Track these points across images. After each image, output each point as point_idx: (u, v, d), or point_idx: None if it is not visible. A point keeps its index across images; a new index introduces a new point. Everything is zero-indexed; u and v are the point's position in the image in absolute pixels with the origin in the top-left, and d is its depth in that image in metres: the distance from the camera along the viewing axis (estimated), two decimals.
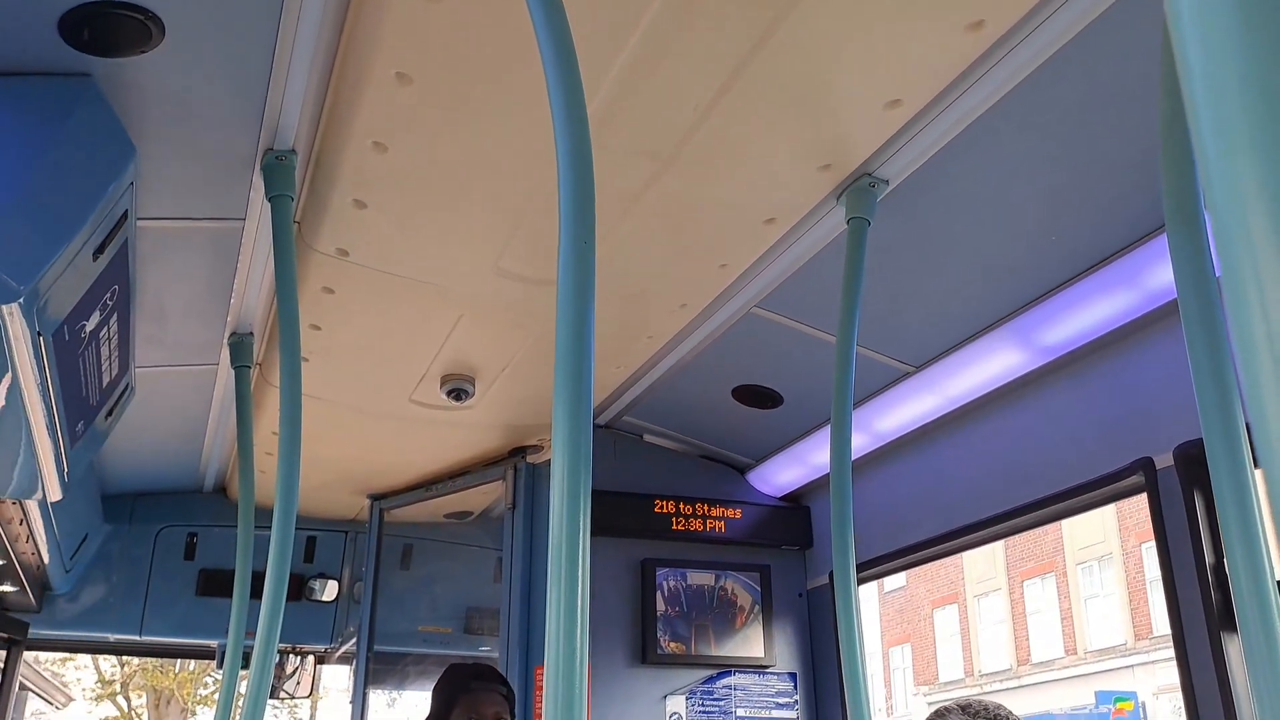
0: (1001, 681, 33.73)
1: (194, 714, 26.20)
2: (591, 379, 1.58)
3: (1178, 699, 26.29)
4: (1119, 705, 27.97)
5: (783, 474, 5.15)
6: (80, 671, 25.89)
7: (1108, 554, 31.12)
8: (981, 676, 34.98)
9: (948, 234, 3.33)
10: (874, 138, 2.79)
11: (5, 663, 5.61)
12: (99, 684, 26.27)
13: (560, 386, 1.56)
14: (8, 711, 5.71)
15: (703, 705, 4.89)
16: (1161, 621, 28.01)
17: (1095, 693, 29.06)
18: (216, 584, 5.86)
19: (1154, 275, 3.16)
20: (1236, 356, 0.56)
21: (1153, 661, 28.48)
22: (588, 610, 1.43)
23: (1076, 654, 31.89)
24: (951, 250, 3.41)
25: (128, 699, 26.72)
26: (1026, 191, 3.08)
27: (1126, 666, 29.70)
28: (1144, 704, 28.17)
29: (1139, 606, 29.80)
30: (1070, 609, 32.51)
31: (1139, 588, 29.81)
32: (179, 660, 23.75)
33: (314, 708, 24.93)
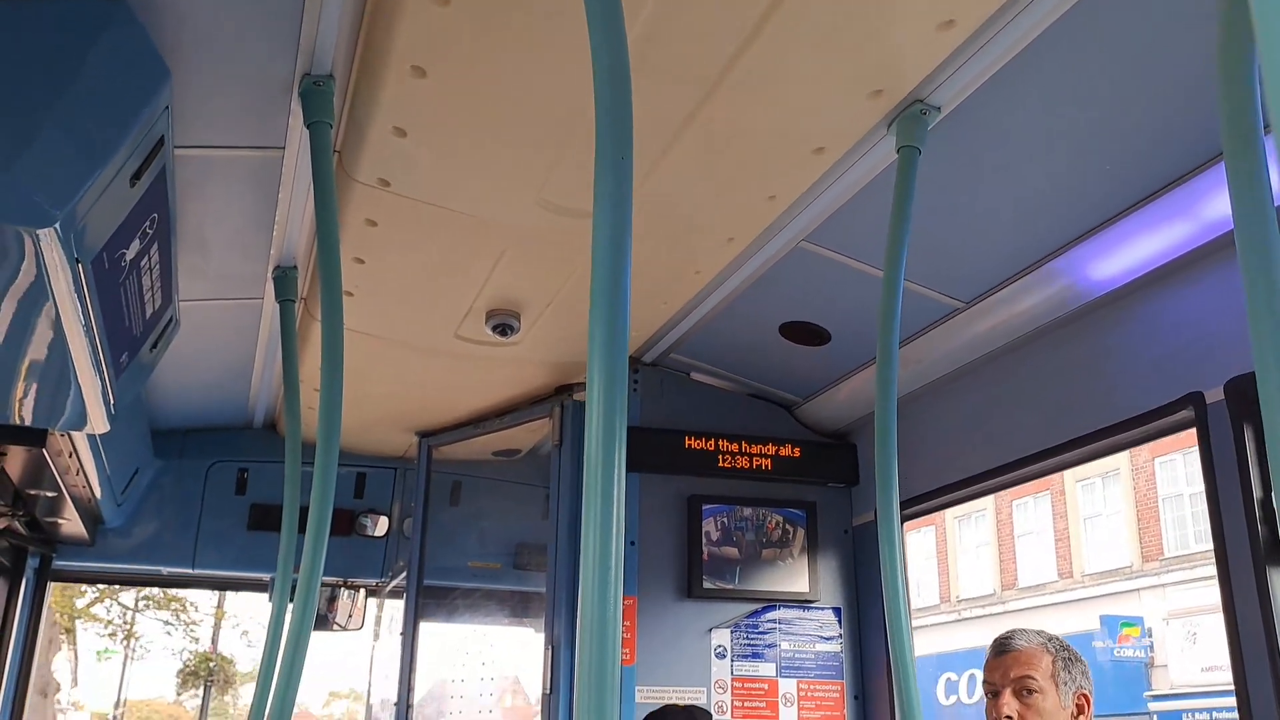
0: (984, 607, 31.57)
1: (70, 629, 25.78)
2: (628, 303, 1.54)
3: (1192, 624, 24.58)
4: (1125, 631, 26.32)
5: (830, 411, 5.10)
6: None
7: (1114, 470, 28.50)
8: (960, 602, 32.67)
9: (999, 164, 3.26)
10: (926, 61, 2.71)
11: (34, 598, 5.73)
12: None
13: (595, 315, 1.53)
14: (36, 650, 5.82)
15: (748, 638, 4.91)
16: (1175, 542, 26.48)
17: (1100, 617, 26.82)
18: (267, 519, 5.92)
19: (1210, 205, 3.07)
20: None
21: (1163, 585, 26.58)
22: (623, 546, 1.41)
23: (1073, 577, 29.67)
24: (1003, 181, 3.34)
25: None
26: (1081, 119, 2.99)
27: (1132, 590, 27.52)
28: (1150, 629, 26.36)
29: (1149, 526, 27.58)
30: (1067, 530, 30.17)
31: (1149, 505, 27.58)
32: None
33: (376, 638, 25.06)
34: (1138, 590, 27.37)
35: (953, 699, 28.68)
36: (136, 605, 28.52)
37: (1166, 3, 2.52)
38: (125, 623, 28.79)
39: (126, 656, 28.71)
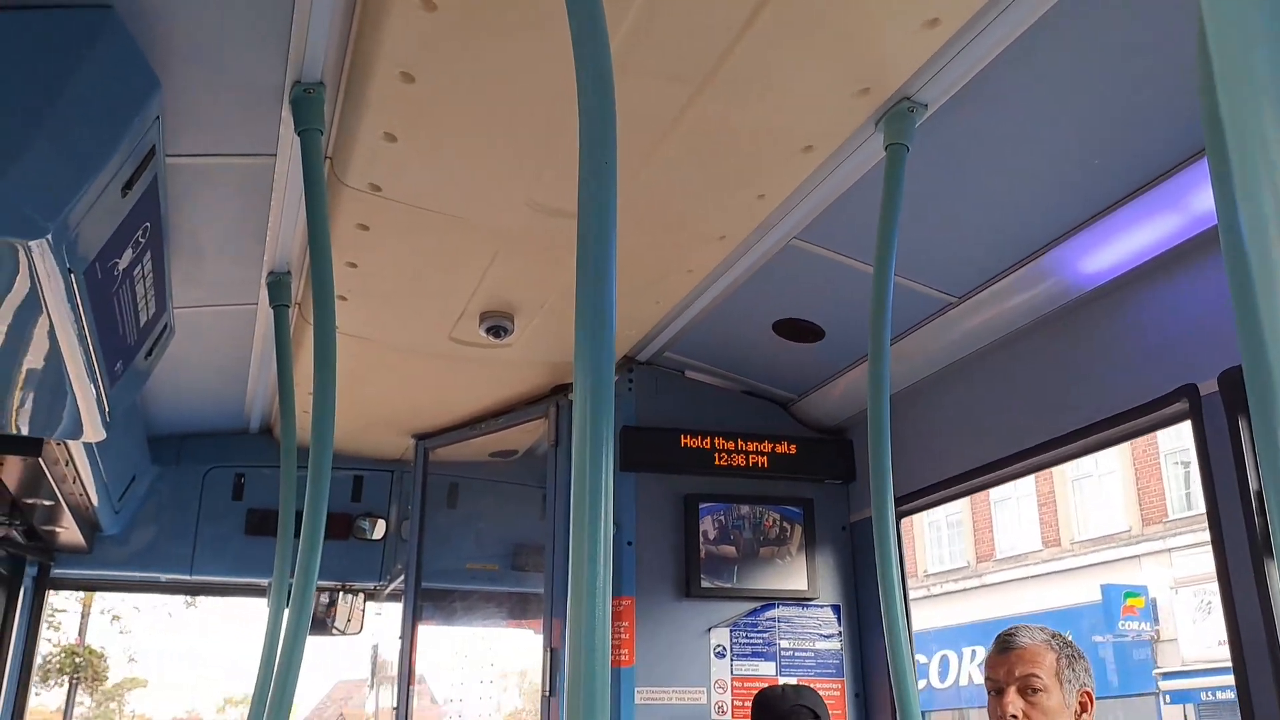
0: (956, 581, 29.39)
1: None
2: (613, 306, 1.54)
3: (1204, 592, 22.39)
4: (1129, 601, 24.21)
5: (826, 407, 5.11)
6: None
7: None
8: (929, 577, 30.20)
9: (988, 160, 3.26)
10: (913, 59, 2.72)
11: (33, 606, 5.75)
12: None
13: (581, 317, 1.53)
14: (35, 655, 5.84)
15: (747, 637, 4.91)
16: (1179, 503, 24.39)
17: (1101, 587, 24.59)
18: (265, 523, 5.93)
19: (1199, 198, 3.08)
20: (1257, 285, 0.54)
21: (1168, 550, 24.29)
22: (610, 546, 1.41)
23: (1060, 545, 27.30)
24: (992, 176, 3.35)
25: None
26: (1068, 114, 3.00)
27: (1132, 557, 25.16)
28: (1154, 600, 24.26)
29: (1150, 485, 25.29)
30: (1053, 493, 27.71)
31: (1150, 463, 25.24)
32: None
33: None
34: (1138, 557, 25.23)
35: (922, 683, 26.73)
36: None
37: None
38: None
39: None
